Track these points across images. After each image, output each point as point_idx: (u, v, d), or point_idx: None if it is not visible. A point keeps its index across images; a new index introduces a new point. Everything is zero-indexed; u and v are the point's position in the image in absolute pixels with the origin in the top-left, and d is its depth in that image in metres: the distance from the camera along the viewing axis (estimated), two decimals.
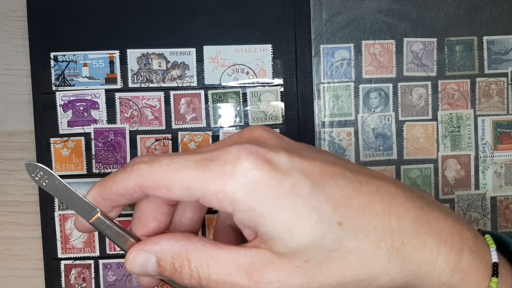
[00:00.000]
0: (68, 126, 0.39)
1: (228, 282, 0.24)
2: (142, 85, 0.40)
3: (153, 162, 0.24)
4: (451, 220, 0.25)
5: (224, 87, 0.40)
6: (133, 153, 0.39)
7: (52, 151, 0.39)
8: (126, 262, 0.26)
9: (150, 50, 0.39)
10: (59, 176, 0.39)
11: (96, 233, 0.39)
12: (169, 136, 0.40)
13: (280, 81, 0.40)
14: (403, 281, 0.24)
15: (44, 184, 0.26)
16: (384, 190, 0.25)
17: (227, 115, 0.40)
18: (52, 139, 0.39)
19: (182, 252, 0.25)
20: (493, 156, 0.41)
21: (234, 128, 0.40)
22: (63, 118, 0.39)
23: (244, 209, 0.23)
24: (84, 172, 0.39)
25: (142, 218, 0.27)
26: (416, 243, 0.24)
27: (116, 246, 0.40)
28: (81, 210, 0.26)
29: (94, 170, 0.39)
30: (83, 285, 0.40)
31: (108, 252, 0.40)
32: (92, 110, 0.39)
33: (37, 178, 0.26)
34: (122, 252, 0.39)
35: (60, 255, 0.39)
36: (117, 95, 0.39)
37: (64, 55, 0.39)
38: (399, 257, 0.24)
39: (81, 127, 0.39)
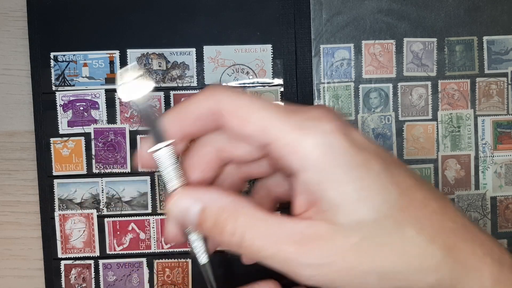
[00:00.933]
0: (68, 126, 0.39)
1: (272, 249, 0.23)
2: None
3: (236, 91, 0.24)
4: (486, 234, 0.26)
5: None
6: (133, 153, 0.39)
7: (52, 151, 0.39)
8: (169, 202, 0.25)
9: (150, 50, 0.39)
10: (59, 175, 0.39)
11: (96, 234, 0.39)
12: None
13: (280, 81, 0.40)
14: (449, 284, 0.24)
15: (137, 99, 0.25)
16: (438, 192, 0.25)
17: None
18: (52, 139, 0.39)
19: (231, 208, 0.24)
20: (493, 156, 0.41)
21: None
22: (63, 118, 0.39)
23: (314, 169, 0.23)
24: (84, 172, 0.39)
25: (192, 166, 0.26)
26: (467, 249, 0.24)
27: (116, 245, 0.40)
28: (155, 135, 0.25)
29: (94, 170, 0.39)
30: (83, 285, 0.40)
31: (108, 252, 0.40)
32: (92, 110, 0.39)
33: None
34: (122, 252, 0.39)
35: (60, 255, 0.39)
36: (117, 95, 0.39)
37: (64, 55, 0.39)
38: (451, 258, 0.24)
39: (81, 127, 0.39)
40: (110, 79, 0.39)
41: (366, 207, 0.23)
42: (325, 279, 0.23)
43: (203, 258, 0.27)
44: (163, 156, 0.25)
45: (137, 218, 0.39)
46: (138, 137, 0.39)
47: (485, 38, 0.41)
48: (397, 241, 0.23)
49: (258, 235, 0.24)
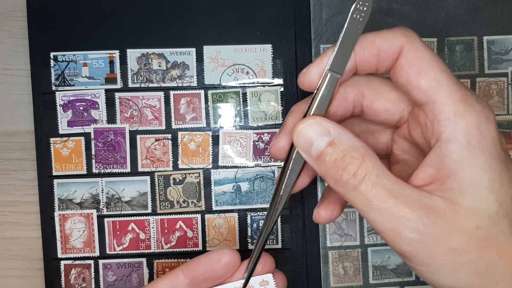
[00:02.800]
0: (68, 126, 0.39)
1: (387, 203, 0.23)
2: (142, 85, 0.40)
3: (421, 40, 0.26)
4: None
5: (224, 87, 0.40)
6: (133, 153, 0.39)
7: (52, 151, 0.39)
8: (301, 123, 0.26)
9: (150, 50, 0.39)
10: (59, 175, 0.39)
11: (96, 234, 0.39)
12: (169, 136, 0.40)
13: (280, 81, 0.40)
14: None
15: (354, 16, 0.26)
16: None
17: (227, 115, 0.40)
18: (52, 139, 0.39)
19: (361, 150, 0.24)
20: None
21: (234, 128, 0.40)
22: (63, 118, 0.39)
23: (462, 144, 0.23)
24: (84, 172, 0.39)
25: (337, 102, 0.28)
26: None
27: (116, 245, 0.40)
28: (339, 60, 0.26)
29: (94, 170, 0.39)
30: (83, 285, 0.40)
31: (108, 252, 0.40)
32: (92, 110, 0.39)
33: (358, 5, 0.26)
34: (122, 252, 0.39)
35: (60, 255, 0.39)
36: (117, 95, 0.39)
37: (64, 55, 0.39)
38: None
39: (81, 127, 0.39)
40: (110, 79, 0.39)
41: (493, 199, 0.23)
42: (423, 251, 0.23)
43: (287, 189, 0.28)
44: (329, 79, 0.26)
45: (137, 218, 0.39)
46: (138, 137, 0.39)
47: (485, 38, 0.41)
48: (506, 245, 0.23)
49: (378, 184, 0.24)
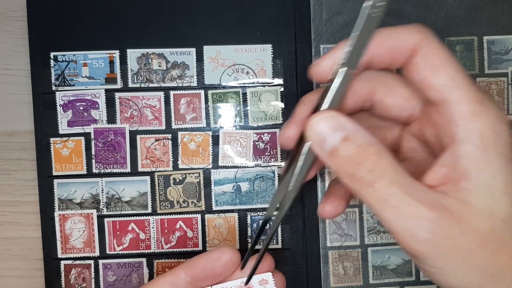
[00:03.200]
0: (68, 126, 0.39)
1: (402, 201, 0.23)
2: (142, 85, 0.40)
3: (437, 37, 0.25)
4: None
5: (224, 87, 0.40)
6: (133, 153, 0.39)
7: (52, 151, 0.39)
8: (315, 117, 0.25)
9: (150, 50, 0.39)
10: (59, 175, 0.39)
11: (96, 234, 0.39)
12: (169, 136, 0.40)
13: (280, 81, 0.40)
14: None
15: (370, 11, 0.25)
16: None
17: (227, 115, 0.40)
18: (52, 139, 0.39)
19: (377, 146, 0.24)
20: None
21: (234, 128, 0.40)
22: (63, 118, 0.39)
23: (477, 145, 0.23)
24: (84, 172, 0.39)
25: (352, 94, 0.27)
26: None
27: (116, 245, 0.40)
28: (353, 55, 0.26)
29: (94, 170, 0.39)
30: (83, 285, 0.40)
31: (108, 252, 0.40)
32: (92, 110, 0.39)
33: (375, 2, 0.25)
34: (122, 252, 0.39)
35: (60, 255, 0.39)
36: (117, 95, 0.39)
37: (64, 55, 0.39)
38: None
39: (81, 127, 0.39)
40: (110, 79, 0.39)
41: (507, 202, 0.23)
42: (436, 251, 0.23)
43: (297, 184, 0.27)
44: (343, 74, 0.26)
45: (137, 218, 0.40)
46: (138, 137, 0.39)
47: (485, 38, 0.41)
48: None
49: (394, 182, 0.23)
